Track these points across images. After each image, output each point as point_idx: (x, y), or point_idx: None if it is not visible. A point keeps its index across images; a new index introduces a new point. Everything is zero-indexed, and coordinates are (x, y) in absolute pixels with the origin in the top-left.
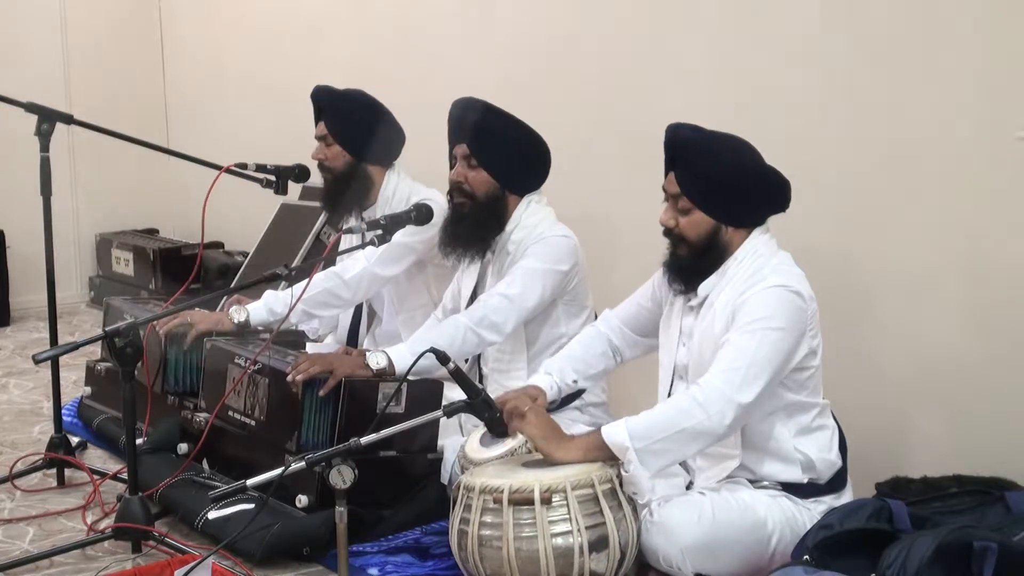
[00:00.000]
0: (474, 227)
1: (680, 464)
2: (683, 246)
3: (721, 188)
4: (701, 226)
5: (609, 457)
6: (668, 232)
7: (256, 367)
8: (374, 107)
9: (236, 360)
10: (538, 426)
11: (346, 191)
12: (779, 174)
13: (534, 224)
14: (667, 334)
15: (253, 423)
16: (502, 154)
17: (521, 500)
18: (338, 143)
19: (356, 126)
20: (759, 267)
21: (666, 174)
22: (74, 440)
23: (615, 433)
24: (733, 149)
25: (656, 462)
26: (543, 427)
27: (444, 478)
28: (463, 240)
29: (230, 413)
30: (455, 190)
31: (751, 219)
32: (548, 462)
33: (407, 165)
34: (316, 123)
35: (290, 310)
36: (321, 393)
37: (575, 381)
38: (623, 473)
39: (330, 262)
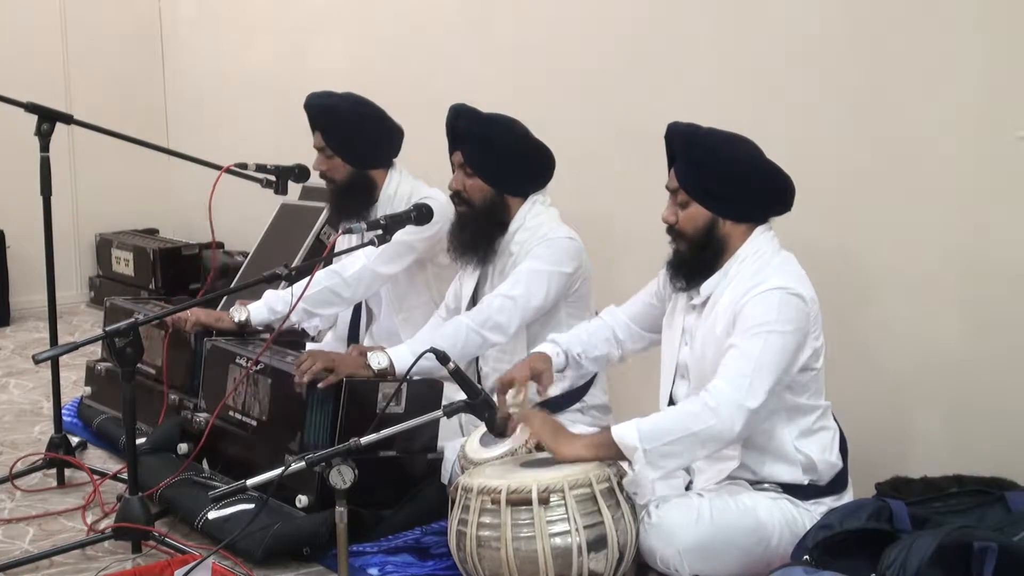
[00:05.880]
0: (477, 234)
1: None
2: (682, 241)
3: (717, 179)
4: (698, 219)
5: (616, 456)
6: (670, 228)
7: (258, 367)
8: (368, 112)
9: (237, 360)
10: (545, 425)
11: (351, 199)
12: (780, 171)
13: (538, 225)
14: (669, 333)
15: (255, 423)
16: (495, 160)
17: (519, 500)
18: (338, 155)
19: (353, 136)
20: (761, 267)
21: (668, 171)
22: (74, 440)
23: (625, 434)
24: (730, 143)
25: (664, 464)
26: (550, 425)
27: (444, 478)
28: (469, 246)
29: (231, 413)
30: (455, 198)
31: (749, 214)
32: (547, 462)
33: (409, 165)
34: (312, 131)
35: (291, 309)
36: (321, 386)
37: (580, 355)
38: (629, 473)
39: (330, 262)
